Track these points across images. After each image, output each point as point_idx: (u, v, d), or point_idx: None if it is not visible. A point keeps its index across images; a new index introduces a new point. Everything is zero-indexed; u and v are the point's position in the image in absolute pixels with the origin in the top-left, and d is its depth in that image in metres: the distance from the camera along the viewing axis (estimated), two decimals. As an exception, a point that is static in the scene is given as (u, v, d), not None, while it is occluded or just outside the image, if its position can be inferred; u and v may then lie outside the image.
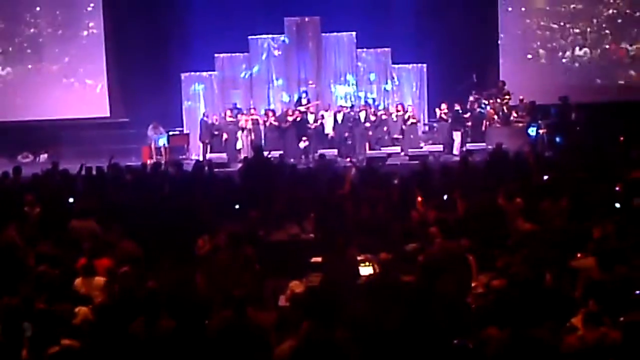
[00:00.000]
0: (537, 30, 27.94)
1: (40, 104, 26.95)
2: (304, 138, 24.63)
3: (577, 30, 27.86)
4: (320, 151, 23.05)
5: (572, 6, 27.77)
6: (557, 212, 12.62)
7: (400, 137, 25.15)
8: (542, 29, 27.92)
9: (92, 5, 27.54)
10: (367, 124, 25.02)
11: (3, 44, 27.58)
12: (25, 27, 27.58)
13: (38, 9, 27.50)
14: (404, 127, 25.17)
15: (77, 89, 27.48)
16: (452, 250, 10.66)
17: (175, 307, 8.71)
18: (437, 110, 25.50)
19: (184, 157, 24.62)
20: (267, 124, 24.96)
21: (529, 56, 27.93)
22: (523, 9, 27.94)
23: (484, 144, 23.79)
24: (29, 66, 27.62)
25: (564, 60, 27.94)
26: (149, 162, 23.61)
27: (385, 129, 25.22)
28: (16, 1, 27.53)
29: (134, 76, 26.77)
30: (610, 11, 27.72)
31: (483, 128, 24.94)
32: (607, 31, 27.87)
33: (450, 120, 25.09)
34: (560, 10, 27.86)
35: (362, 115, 25.17)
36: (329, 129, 25.15)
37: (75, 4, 27.63)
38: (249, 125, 24.94)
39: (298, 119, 24.80)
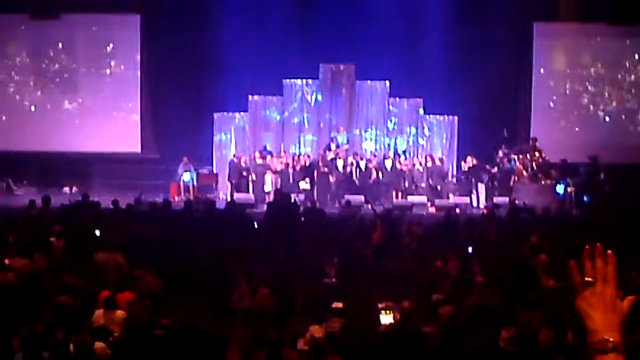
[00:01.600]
0: (570, 90, 27.90)
1: (73, 137, 27.31)
2: (306, 179, 24.58)
3: (606, 94, 27.85)
4: (347, 197, 23.08)
5: (599, 71, 27.79)
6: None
7: (428, 187, 25.15)
8: (575, 90, 27.91)
9: (130, 41, 27.84)
10: (394, 173, 25.04)
11: (40, 76, 27.90)
12: (62, 60, 27.93)
13: (76, 44, 27.85)
14: (432, 178, 25.17)
15: (110, 123, 27.70)
16: (482, 304, 10.62)
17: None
18: (463, 163, 25.52)
19: (211, 195, 24.66)
20: (298, 167, 25.02)
21: (560, 114, 27.91)
22: (556, 68, 27.94)
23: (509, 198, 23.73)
24: (65, 100, 27.92)
25: (595, 120, 27.85)
26: (176, 199, 23.78)
27: (412, 178, 25.23)
28: (52, 35, 27.84)
29: (167, 113, 27.03)
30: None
31: (511, 183, 24.90)
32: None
33: (480, 174, 25.06)
34: (591, 74, 27.92)
35: (389, 163, 25.22)
36: (356, 176, 25.18)
37: (113, 40, 27.95)
38: (279, 168, 25.02)
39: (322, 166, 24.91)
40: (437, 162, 25.52)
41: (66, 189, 25.84)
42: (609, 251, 3.21)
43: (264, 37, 26.29)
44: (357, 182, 25.05)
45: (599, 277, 3.19)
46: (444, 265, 13.20)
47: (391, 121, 27.11)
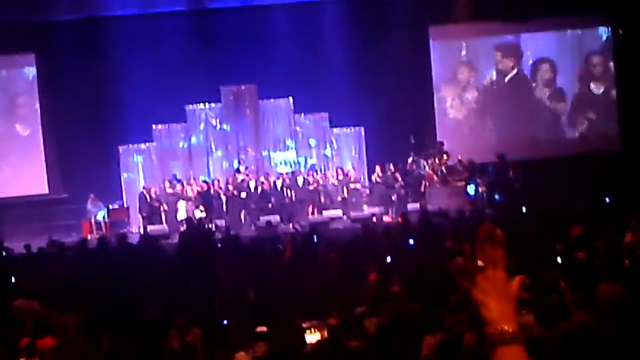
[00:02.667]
0: (470, 90, 28.27)
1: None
2: (200, 207, 24.44)
3: (508, 91, 28.31)
4: (263, 218, 23.02)
5: (497, 68, 28.30)
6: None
7: (342, 201, 25.22)
8: (475, 88, 28.29)
9: (27, 82, 27.38)
10: (307, 189, 25.06)
11: None
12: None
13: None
14: (344, 191, 25.25)
15: (13, 166, 27.17)
16: (406, 313, 10.65)
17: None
18: (373, 175, 25.64)
19: (124, 230, 24.33)
20: (212, 191, 24.86)
21: (464, 116, 28.26)
22: (455, 69, 28.31)
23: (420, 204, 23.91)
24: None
25: (499, 118, 28.24)
26: (89, 237, 23.41)
27: (325, 193, 25.28)
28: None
29: (71, 151, 26.53)
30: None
31: (422, 189, 25.09)
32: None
33: (391, 182, 25.19)
34: (490, 72, 28.40)
35: (301, 180, 25.23)
36: (270, 195, 25.13)
37: (10, 82, 27.46)
38: (192, 195, 24.81)
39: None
40: (348, 175, 25.58)
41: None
42: (497, 231, 3.19)
43: (162, 64, 26.11)
44: (271, 201, 24.98)
45: (489, 260, 3.17)
46: (365, 277, 13.23)
47: (299, 137, 27.11)
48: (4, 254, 18.32)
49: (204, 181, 25.41)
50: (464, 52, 28.24)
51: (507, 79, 28.32)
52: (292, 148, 27.05)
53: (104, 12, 26.63)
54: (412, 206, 23.81)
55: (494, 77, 28.37)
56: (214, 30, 26.75)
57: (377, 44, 26.74)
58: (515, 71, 28.32)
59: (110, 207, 25.57)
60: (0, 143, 27.28)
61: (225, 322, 11.80)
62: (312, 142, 27.13)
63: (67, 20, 26.29)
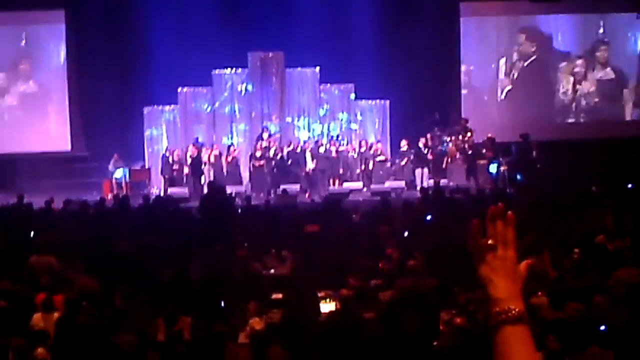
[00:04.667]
0: (498, 70, 28.12)
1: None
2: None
3: (534, 72, 28.15)
4: (283, 186, 23.03)
5: (525, 49, 28.12)
6: (519, 249, 12.59)
7: (363, 173, 25.19)
8: (503, 69, 28.13)
9: (55, 37, 27.41)
10: (329, 160, 25.02)
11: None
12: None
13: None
14: (366, 163, 25.20)
15: (37, 122, 27.27)
16: (418, 288, 10.66)
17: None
18: (401, 148, 25.57)
19: (145, 191, 24.41)
20: (230, 158, 24.87)
21: (490, 94, 28.10)
22: (483, 48, 28.13)
23: (445, 180, 23.83)
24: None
25: (524, 98, 28.07)
26: (109, 196, 23.51)
27: (347, 164, 25.25)
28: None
29: (96, 110, 26.65)
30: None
31: (444, 165, 25.04)
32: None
33: (412, 157, 25.14)
34: (518, 52, 28.18)
35: (322, 150, 25.19)
36: (292, 164, 25.12)
37: (39, 37, 27.52)
38: (212, 160, 24.87)
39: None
40: (372, 147, 25.53)
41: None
42: (509, 212, 3.17)
43: (190, 27, 26.12)
44: (292, 170, 24.99)
45: (500, 239, 3.15)
46: (382, 250, 13.23)
47: (323, 108, 27.07)
48: (23, 208, 18.39)
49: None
50: (493, 31, 28.03)
51: (529, 61, 28.15)
52: (316, 117, 26.99)
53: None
54: (432, 181, 23.75)
55: (521, 58, 28.15)
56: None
57: (406, 17, 26.58)
58: (539, 53, 28.15)
59: (132, 167, 25.64)
60: (25, 98, 27.39)
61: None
62: (338, 113, 27.05)
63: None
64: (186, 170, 24.76)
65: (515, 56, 28.21)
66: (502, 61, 28.13)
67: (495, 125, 26.76)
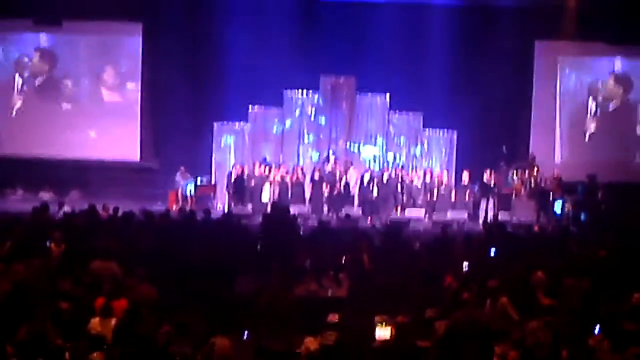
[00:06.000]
0: (570, 109, 27.88)
1: (73, 143, 27.46)
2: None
3: (606, 113, 27.88)
4: (345, 210, 23.09)
5: (598, 90, 27.85)
6: (578, 290, 12.54)
7: (426, 202, 25.13)
8: (574, 108, 27.90)
9: (132, 49, 27.91)
10: (392, 187, 25.04)
11: (45, 81, 27.97)
12: (66, 66, 28.04)
13: (78, 50, 27.96)
14: (430, 192, 25.15)
15: (110, 131, 27.74)
16: (476, 319, 10.64)
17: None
18: (462, 180, 25.49)
19: (209, 206, 24.63)
20: (294, 179, 25.02)
21: (560, 131, 27.86)
22: (556, 86, 27.91)
23: (508, 215, 23.70)
24: (66, 105, 27.98)
25: (593, 139, 27.82)
26: (174, 208, 23.80)
27: (410, 192, 25.22)
28: (55, 41, 27.97)
29: (167, 122, 27.08)
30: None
31: (509, 199, 24.90)
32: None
33: (476, 189, 25.05)
34: (590, 92, 27.94)
35: (387, 177, 25.21)
36: (354, 189, 25.21)
37: (116, 48, 28.03)
38: (278, 179, 25.02)
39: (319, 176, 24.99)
40: (437, 177, 25.48)
41: (62, 196, 25.83)
42: None
43: (265, 47, 26.32)
44: (355, 195, 25.08)
45: None
46: (440, 280, 13.23)
47: (390, 134, 27.13)
48: (90, 214, 18.66)
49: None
50: (569, 70, 27.84)
51: (610, 104, 27.90)
52: (382, 144, 27.06)
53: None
54: (495, 215, 23.63)
55: (596, 99, 27.91)
56: (320, 20, 26.87)
57: (480, 50, 26.57)
58: (619, 98, 27.87)
59: (199, 181, 25.91)
60: (99, 107, 27.87)
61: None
62: (405, 141, 27.10)
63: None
64: (252, 188, 24.89)
65: (589, 96, 27.91)
66: (576, 100, 27.87)
67: (563, 163, 26.55)
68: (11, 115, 28.01)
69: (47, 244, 14.62)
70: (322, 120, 27.02)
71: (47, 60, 28.06)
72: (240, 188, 24.93)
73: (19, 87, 28.10)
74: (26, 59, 28.05)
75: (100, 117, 27.83)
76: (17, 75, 28.08)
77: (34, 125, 27.72)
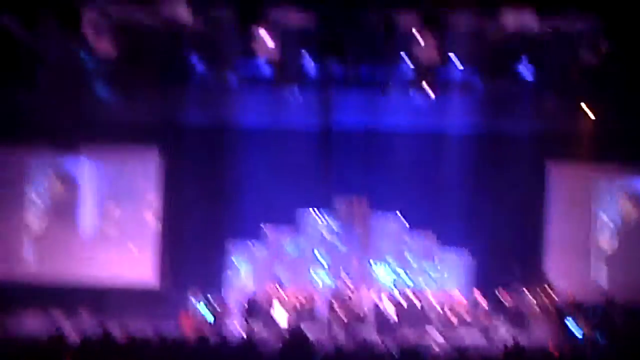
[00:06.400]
0: (585, 229, 27.81)
1: (87, 267, 27.48)
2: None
3: (624, 235, 27.79)
4: (363, 334, 22.96)
5: (615, 211, 27.85)
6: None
7: (441, 323, 24.97)
8: (591, 229, 27.83)
9: (145, 173, 28.23)
10: (408, 308, 24.93)
11: (58, 206, 28.24)
12: (80, 190, 28.34)
13: (93, 174, 28.35)
14: (447, 314, 25.01)
15: (123, 252, 27.91)
16: None
17: None
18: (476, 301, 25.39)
19: (224, 328, 24.46)
20: (308, 301, 24.94)
21: (575, 253, 27.70)
22: (571, 206, 27.87)
23: (525, 336, 23.50)
24: (82, 229, 28.16)
25: (611, 261, 27.69)
26: (188, 331, 23.66)
27: (426, 314, 25.07)
28: (70, 166, 28.34)
29: (181, 243, 27.15)
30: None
31: (525, 321, 24.74)
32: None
33: (491, 311, 24.91)
34: (607, 214, 27.91)
35: (403, 298, 25.14)
36: (370, 311, 25.09)
37: (129, 171, 28.36)
38: (291, 300, 24.94)
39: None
40: (452, 297, 25.41)
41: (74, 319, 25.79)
42: None
43: (279, 167, 26.60)
44: (372, 316, 24.95)
45: None
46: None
47: (405, 254, 27.15)
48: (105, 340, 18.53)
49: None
50: (584, 192, 27.88)
51: (628, 224, 27.89)
52: (396, 264, 27.07)
53: (231, 120, 27.46)
54: (511, 337, 23.40)
55: (614, 220, 27.92)
56: (335, 141, 27.19)
57: (493, 169, 26.85)
58: (637, 218, 27.87)
59: (213, 303, 25.78)
60: (114, 228, 27.98)
61: None
62: (419, 261, 27.11)
63: (194, 123, 27.30)
64: (265, 309, 24.82)
65: (607, 217, 27.90)
66: (592, 220, 27.84)
67: (579, 283, 26.42)
68: (27, 237, 28.13)
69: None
70: (337, 240, 27.08)
71: (66, 184, 28.33)
72: (253, 310, 24.85)
73: (39, 208, 28.24)
74: (46, 183, 28.29)
75: (114, 238, 27.95)
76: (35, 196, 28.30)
77: (49, 247, 27.86)
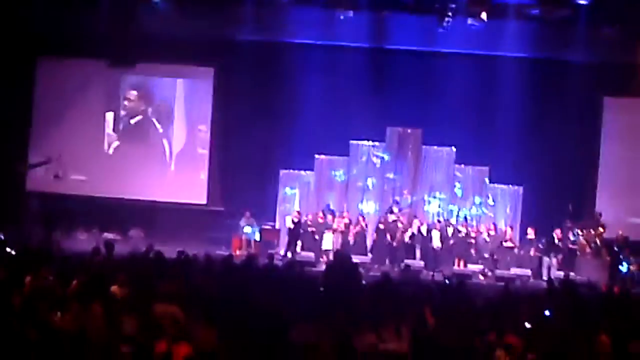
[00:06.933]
0: (638, 166, 27.34)
1: (141, 184, 27.89)
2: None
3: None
4: (407, 261, 23.03)
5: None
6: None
7: (490, 257, 24.97)
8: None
9: (203, 93, 28.31)
10: (456, 240, 24.96)
11: (115, 123, 28.47)
12: (137, 108, 28.53)
13: (150, 92, 28.49)
14: (494, 247, 25.00)
15: (177, 173, 28.14)
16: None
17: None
18: (529, 233, 25.28)
19: (272, 251, 24.73)
20: (357, 229, 25.09)
21: (627, 191, 27.23)
22: (625, 144, 27.36)
23: (572, 273, 23.41)
24: (137, 147, 28.38)
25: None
26: (237, 252, 23.94)
27: (474, 247, 25.09)
28: (128, 83, 28.48)
29: (234, 167, 27.33)
30: None
31: (574, 258, 24.64)
32: None
33: (540, 246, 24.83)
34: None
35: (451, 230, 25.15)
36: (417, 241, 25.16)
37: (186, 91, 28.44)
38: (341, 228, 25.13)
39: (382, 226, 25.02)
40: (502, 232, 25.36)
41: (128, 235, 26.11)
42: None
43: (332, 96, 26.62)
44: (418, 246, 25.03)
45: None
46: (500, 339, 13.06)
47: (456, 188, 27.10)
48: (154, 257, 18.79)
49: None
50: (634, 129, 27.33)
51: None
52: (447, 197, 27.03)
53: (285, 38, 27.24)
54: (560, 274, 23.35)
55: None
56: (388, 70, 27.03)
57: (548, 105, 26.53)
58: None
59: (263, 227, 26.07)
60: (167, 149, 28.21)
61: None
62: (471, 195, 27.04)
63: (248, 41, 26.96)
64: (316, 235, 25.02)
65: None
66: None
67: (630, 223, 26.16)
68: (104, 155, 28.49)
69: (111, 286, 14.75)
70: (388, 171, 27.09)
71: (144, 98, 28.59)
72: (295, 235, 25.10)
73: (114, 126, 28.56)
74: (122, 98, 28.56)
75: (170, 159, 28.21)
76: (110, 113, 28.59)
77: (111, 166, 28.20)
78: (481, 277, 24.12)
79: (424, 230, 25.26)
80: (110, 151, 28.31)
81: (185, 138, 28.38)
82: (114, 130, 28.38)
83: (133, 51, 25.89)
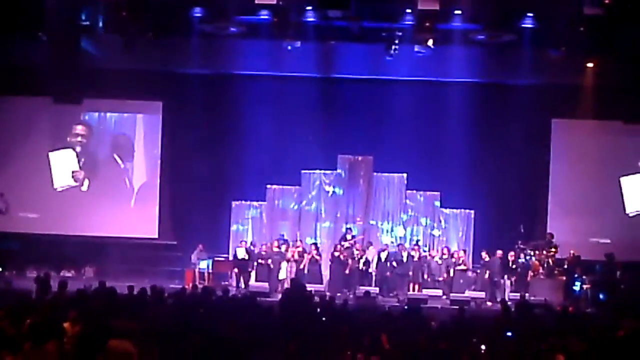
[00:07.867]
0: (587, 188, 27.47)
1: (91, 220, 27.46)
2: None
3: (623, 192, 27.58)
4: (362, 288, 23.02)
5: (615, 169, 27.56)
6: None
7: (443, 280, 25.05)
8: (593, 185, 27.61)
9: (152, 127, 28.08)
10: (410, 265, 25.01)
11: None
12: (84, 144, 28.16)
13: (98, 128, 28.21)
14: (447, 271, 25.08)
15: (127, 208, 27.86)
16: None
17: None
18: (482, 259, 25.39)
19: (226, 283, 24.62)
20: (311, 257, 25.08)
21: (577, 211, 27.42)
22: (573, 165, 27.56)
23: (526, 294, 23.53)
24: (85, 183, 28.04)
25: (613, 218, 27.56)
26: (191, 285, 23.75)
27: (428, 271, 25.17)
28: (74, 119, 28.14)
29: (185, 200, 27.26)
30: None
31: (528, 279, 24.80)
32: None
33: (495, 269, 24.92)
34: (608, 172, 27.59)
35: (405, 255, 25.21)
36: (371, 266, 25.19)
37: (135, 125, 28.22)
38: (295, 257, 25.09)
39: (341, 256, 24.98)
40: (455, 255, 25.46)
41: (81, 271, 25.84)
42: None
43: (283, 128, 26.66)
44: (373, 273, 25.05)
45: None
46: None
47: (407, 213, 27.26)
48: (105, 293, 18.62)
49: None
50: (583, 150, 27.60)
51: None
52: (400, 223, 27.18)
53: (233, 69, 27.28)
54: (514, 295, 23.46)
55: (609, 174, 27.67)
56: (337, 99, 27.32)
57: (497, 129, 26.85)
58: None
59: (216, 258, 25.95)
60: (117, 184, 27.97)
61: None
62: (422, 219, 27.18)
63: (197, 73, 26.96)
64: (270, 265, 24.93)
65: (607, 175, 27.65)
66: (594, 178, 27.60)
67: (580, 242, 26.36)
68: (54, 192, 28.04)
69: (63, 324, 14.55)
70: (340, 199, 27.20)
71: (97, 134, 28.31)
72: (248, 265, 25.00)
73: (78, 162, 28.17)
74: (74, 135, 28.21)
75: (119, 193, 27.96)
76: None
77: (58, 203, 27.84)
78: (442, 297, 24.18)
79: (379, 256, 25.25)
80: (84, 187, 27.96)
81: (146, 172, 28.13)
82: (80, 168, 28.02)
83: (78, 86, 25.67)
